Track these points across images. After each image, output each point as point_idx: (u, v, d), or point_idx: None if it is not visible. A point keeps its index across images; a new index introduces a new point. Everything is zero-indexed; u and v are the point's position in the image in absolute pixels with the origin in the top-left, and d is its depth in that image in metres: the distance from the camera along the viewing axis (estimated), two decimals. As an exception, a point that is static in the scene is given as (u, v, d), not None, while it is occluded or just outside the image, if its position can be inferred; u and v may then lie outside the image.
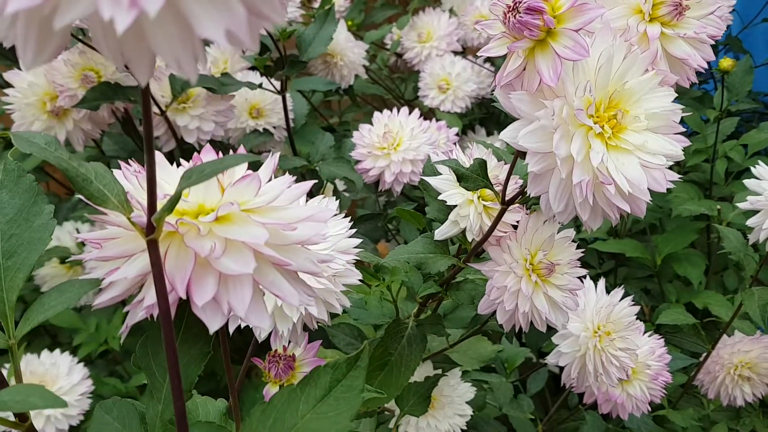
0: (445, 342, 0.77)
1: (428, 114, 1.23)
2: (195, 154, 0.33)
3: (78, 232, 1.14)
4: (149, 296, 0.29)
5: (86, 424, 0.87)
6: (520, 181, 0.53)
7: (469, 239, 0.57)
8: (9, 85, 0.87)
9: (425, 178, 0.58)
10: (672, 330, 1.00)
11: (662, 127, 0.40)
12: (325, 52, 1.11)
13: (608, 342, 0.67)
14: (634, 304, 0.70)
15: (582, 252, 0.55)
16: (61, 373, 0.84)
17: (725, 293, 1.09)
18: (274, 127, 1.03)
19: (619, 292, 0.71)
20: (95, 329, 1.11)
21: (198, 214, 0.29)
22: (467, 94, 1.22)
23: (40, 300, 0.29)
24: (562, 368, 0.71)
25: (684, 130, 0.40)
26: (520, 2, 0.39)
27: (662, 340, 0.79)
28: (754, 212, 0.73)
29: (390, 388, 0.64)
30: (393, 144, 0.86)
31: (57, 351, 0.87)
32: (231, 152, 0.30)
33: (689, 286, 1.11)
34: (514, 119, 0.42)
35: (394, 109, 0.89)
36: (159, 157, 0.34)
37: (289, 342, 0.54)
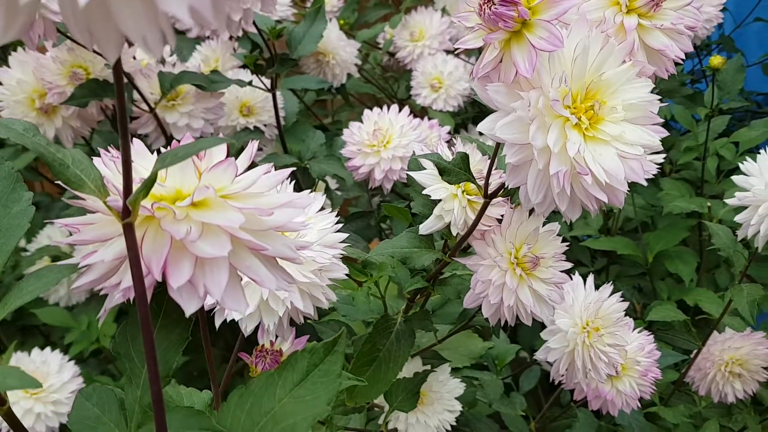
0: (434, 338, 0.77)
1: (421, 113, 1.24)
2: (173, 141, 0.33)
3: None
4: (126, 279, 0.29)
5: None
6: (504, 175, 0.53)
7: (454, 233, 0.57)
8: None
9: (410, 173, 0.59)
10: (663, 327, 1.01)
11: (640, 117, 0.40)
12: (317, 51, 1.12)
13: (597, 338, 0.67)
14: (623, 301, 0.70)
15: (567, 245, 0.55)
16: (51, 371, 0.84)
17: (717, 290, 1.09)
18: (265, 125, 1.03)
19: (608, 288, 0.70)
20: (87, 327, 1.11)
21: (175, 200, 0.30)
22: (459, 92, 1.22)
23: (18, 285, 0.30)
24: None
25: (662, 120, 0.41)
26: (494, -7, 0.39)
27: (652, 336, 0.79)
28: (743, 208, 0.73)
29: (378, 383, 0.65)
30: (383, 141, 0.87)
31: (47, 349, 0.87)
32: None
33: (681, 283, 1.11)
34: (492, 111, 0.42)
35: (384, 107, 0.89)
36: (138, 145, 0.34)
37: (276, 337, 0.54)
